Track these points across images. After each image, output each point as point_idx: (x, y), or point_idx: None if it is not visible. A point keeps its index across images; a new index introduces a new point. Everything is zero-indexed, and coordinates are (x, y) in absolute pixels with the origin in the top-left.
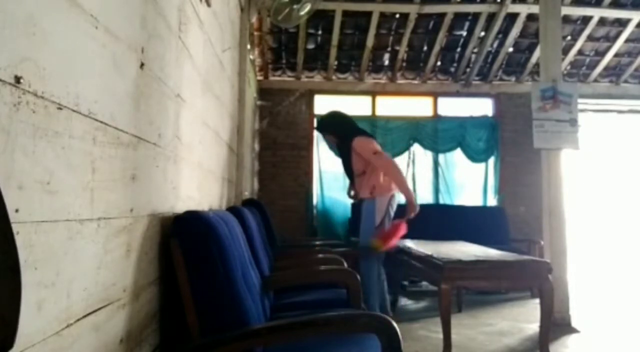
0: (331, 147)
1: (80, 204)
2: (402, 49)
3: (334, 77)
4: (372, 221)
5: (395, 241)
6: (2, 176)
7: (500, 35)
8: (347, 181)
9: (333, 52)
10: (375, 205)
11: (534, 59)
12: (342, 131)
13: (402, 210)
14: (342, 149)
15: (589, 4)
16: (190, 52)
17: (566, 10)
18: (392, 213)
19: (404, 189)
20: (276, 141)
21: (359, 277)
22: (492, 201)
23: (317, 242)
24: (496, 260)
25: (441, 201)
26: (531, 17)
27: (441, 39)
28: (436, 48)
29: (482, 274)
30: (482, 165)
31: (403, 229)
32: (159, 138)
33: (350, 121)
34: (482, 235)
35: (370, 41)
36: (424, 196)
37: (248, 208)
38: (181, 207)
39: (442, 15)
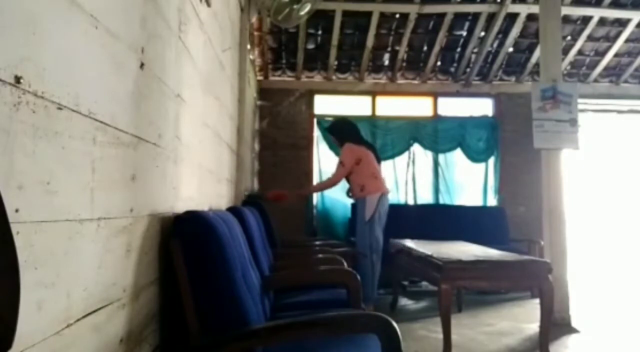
0: (331, 147)
1: (80, 204)
2: (402, 49)
3: (334, 77)
4: (362, 216)
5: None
6: (2, 176)
7: (500, 35)
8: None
9: (333, 52)
10: (365, 203)
11: (534, 59)
12: (340, 136)
13: (391, 208)
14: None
15: (589, 4)
16: (190, 52)
17: (566, 10)
18: (382, 211)
19: (319, 187)
20: (276, 141)
21: (358, 277)
22: (492, 201)
23: (317, 242)
24: (496, 260)
25: (441, 201)
26: (531, 17)
27: (441, 39)
28: (436, 48)
29: (482, 274)
30: (482, 165)
31: (284, 197)
32: (159, 138)
33: (351, 128)
34: (482, 235)
35: (370, 41)
36: (424, 195)
37: (248, 208)
38: (181, 207)
39: (442, 15)
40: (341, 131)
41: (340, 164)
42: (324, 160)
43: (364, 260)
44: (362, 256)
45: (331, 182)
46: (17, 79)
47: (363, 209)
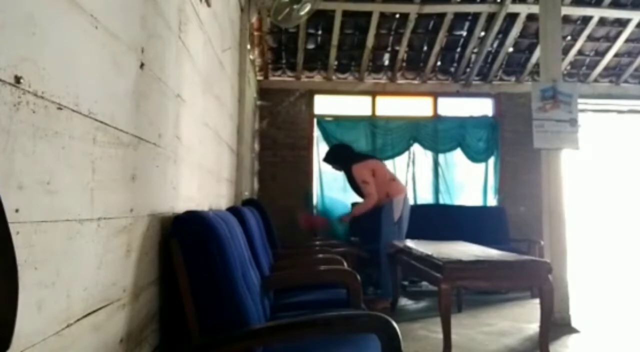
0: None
1: (80, 204)
2: (402, 49)
3: (334, 77)
4: (391, 217)
5: (310, 225)
6: (2, 176)
7: (500, 35)
8: (347, 182)
9: (333, 52)
10: (393, 204)
11: (534, 59)
12: (341, 162)
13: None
14: (347, 174)
15: (589, 4)
16: (190, 52)
17: (566, 10)
18: (406, 211)
19: (362, 208)
20: (276, 141)
21: (358, 277)
22: (492, 201)
23: (317, 242)
24: (496, 260)
25: (441, 201)
26: (531, 17)
27: (441, 39)
28: (436, 48)
29: (482, 274)
30: (482, 165)
31: (321, 223)
32: (159, 138)
33: (347, 151)
34: (482, 235)
35: (370, 41)
36: (424, 196)
37: (248, 208)
38: (181, 207)
39: (442, 15)
40: (340, 158)
41: (364, 183)
42: None
43: (386, 254)
44: (384, 247)
45: (371, 200)
46: (17, 79)
47: (391, 210)
